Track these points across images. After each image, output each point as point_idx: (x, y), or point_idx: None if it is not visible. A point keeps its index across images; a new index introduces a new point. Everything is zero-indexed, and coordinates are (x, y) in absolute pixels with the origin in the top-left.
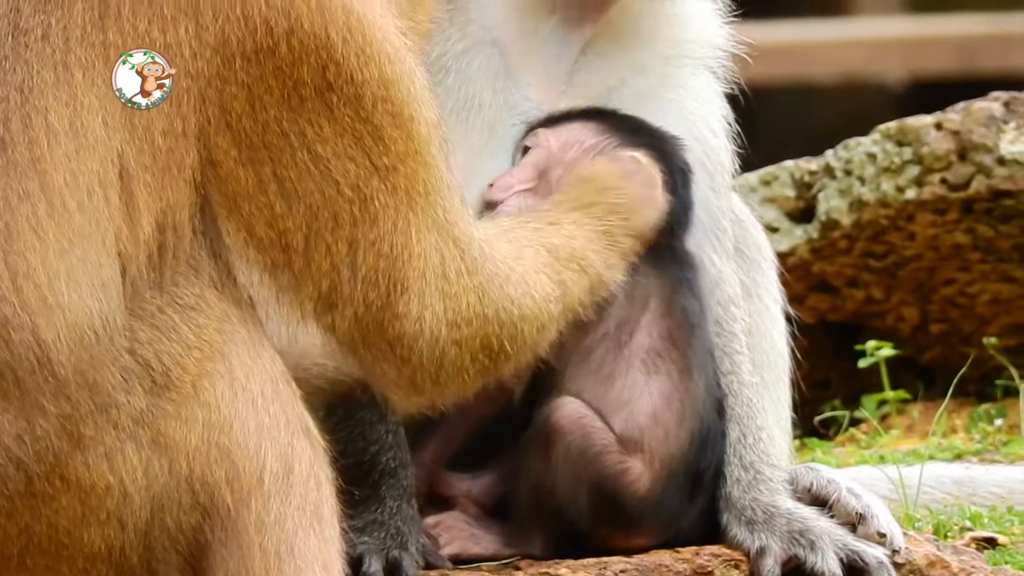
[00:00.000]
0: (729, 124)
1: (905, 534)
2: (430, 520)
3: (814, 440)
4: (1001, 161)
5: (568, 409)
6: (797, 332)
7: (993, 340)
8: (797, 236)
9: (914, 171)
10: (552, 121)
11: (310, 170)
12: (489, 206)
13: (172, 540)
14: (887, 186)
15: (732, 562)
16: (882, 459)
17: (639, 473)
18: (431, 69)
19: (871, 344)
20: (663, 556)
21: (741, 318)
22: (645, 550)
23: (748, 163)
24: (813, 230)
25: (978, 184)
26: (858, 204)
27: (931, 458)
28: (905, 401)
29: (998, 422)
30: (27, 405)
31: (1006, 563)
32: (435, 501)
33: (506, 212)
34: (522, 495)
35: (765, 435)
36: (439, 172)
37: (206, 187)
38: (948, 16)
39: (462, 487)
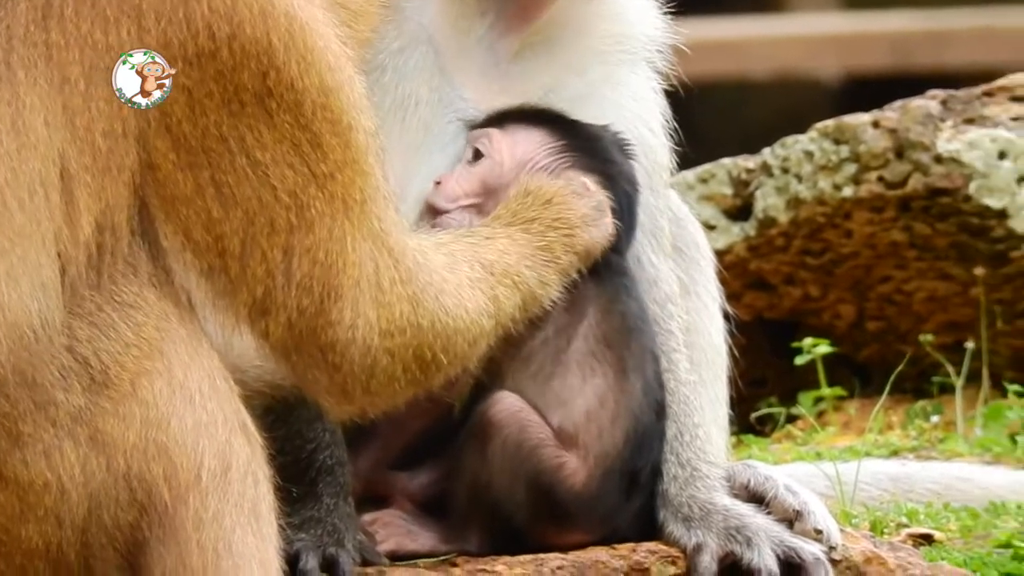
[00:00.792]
0: (667, 121)
1: (842, 531)
2: (367, 517)
3: (751, 437)
4: (938, 159)
5: (505, 403)
6: (734, 329)
7: (929, 337)
8: (734, 234)
9: (851, 169)
10: (504, 121)
11: (248, 176)
12: (432, 211)
13: (110, 537)
14: (824, 184)
15: (669, 559)
16: (819, 456)
17: (575, 468)
18: (368, 67)
19: (808, 341)
20: (600, 553)
21: (678, 316)
22: (582, 547)
23: (685, 160)
24: (750, 228)
25: (915, 182)
26: (795, 202)
27: (868, 455)
28: (842, 398)
29: (934, 419)
30: None
31: (942, 559)
32: (372, 499)
33: (447, 226)
34: (459, 491)
35: (702, 432)
36: (375, 181)
37: (144, 189)
38: (883, 13)
39: (399, 484)
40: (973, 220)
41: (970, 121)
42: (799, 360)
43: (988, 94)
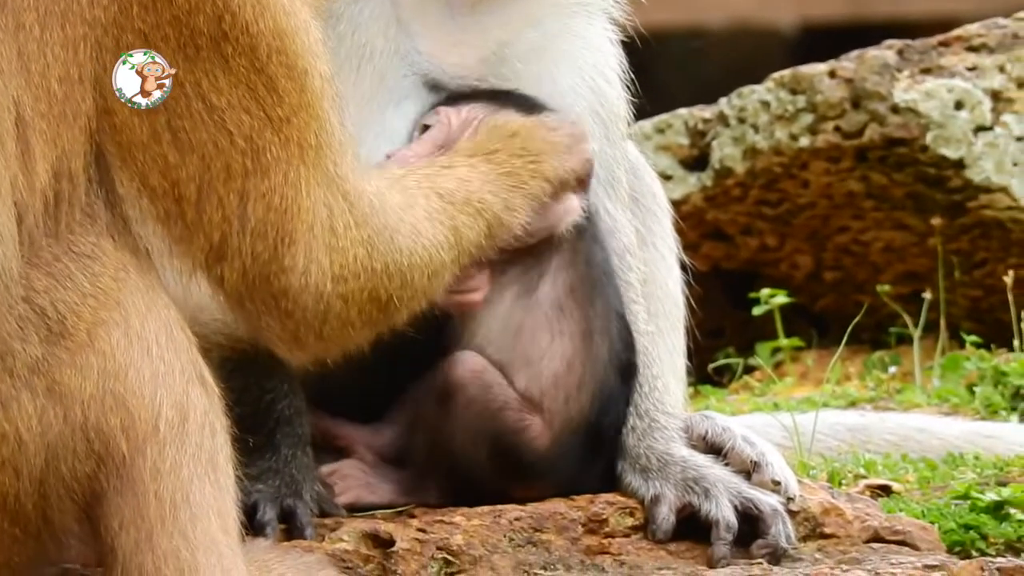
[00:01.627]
0: (623, 73)
1: (800, 482)
2: (325, 468)
3: (708, 388)
4: (895, 109)
5: (468, 364)
6: (691, 280)
7: (887, 288)
8: (691, 184)
9: (808, 119)
10: (454, 100)
11: (204, 120)
12: None
13: (67, 488)
14: (781, 134)
15: (627, 510)
16: (776, 407)
17: (539, 431)
18: (323, 15)
19: (765, 292)
20: (557, 504)
21: (636, 267)
22: (541, 499)
23: (641, 111)
24: (707, 178)
25: (872, 132)
26: (752, 152)
27: (825, 406)
28: (799, 349)
29: (892, 370)
30: None
31: (900, 511)
32: (332, 450)
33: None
34: (419, 446)
35: (660, 383)
36: (331, 127)
37: (101, 136)
38: None
39: (359, 436)
40: (930, 170)
41: (927, 71)
42: (756, 311)
43: (945, 44)
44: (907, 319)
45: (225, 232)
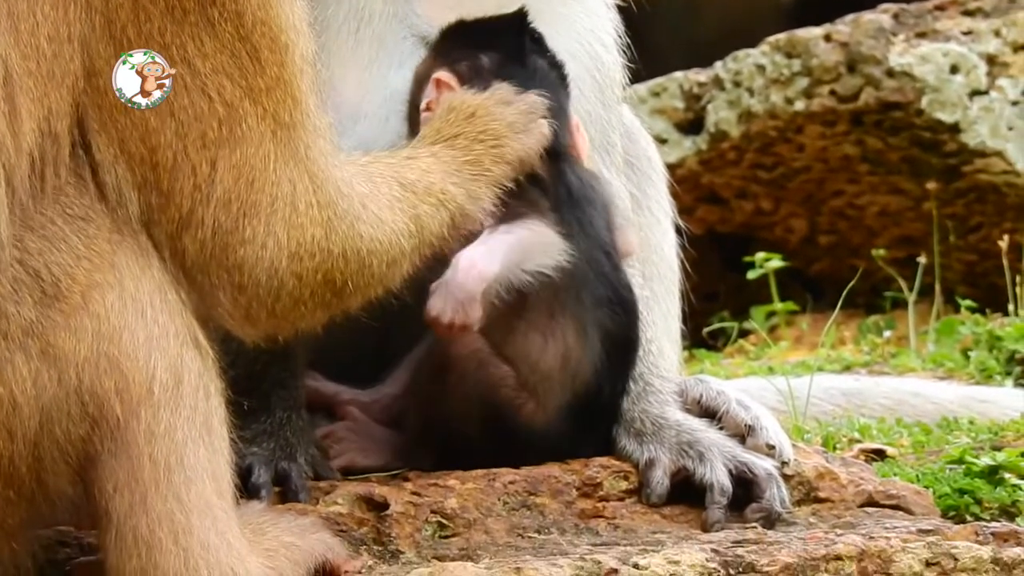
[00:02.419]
0: (619, 37)
1: (794, 446)
2: (320, 432)
3: (703, 351)
4: (890, 73)
5: (466, 340)
6: (686, 244)
7: (882, 252)
8: (686, 147)
9: (803, 83)
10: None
11: (187, 85)
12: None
13: (61, 451)
14: (776, 98)
15: (621, 473)
16: (771, 370)
17: (533, 410)
18: None
19: (760, 256)
20: (552, 468)
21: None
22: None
23: (636, 74)
24: (702, 141)
25: (867, 96)
26: (747, 116)
27: (820, 370)
28: (794, 313)
29: (887, 334)
30: None
31: (895, 475)
32: (326, 413)
33: None
34: (415, 412)
35: (655, 347)
36: (306, 108)
37: (84, 98)
38: None
39: (353, 399)
40: (925, 134)
41: (922, 35)
42: (751, 274)
43: (940, 8)
44: (902, 283)
45: (195, 201)
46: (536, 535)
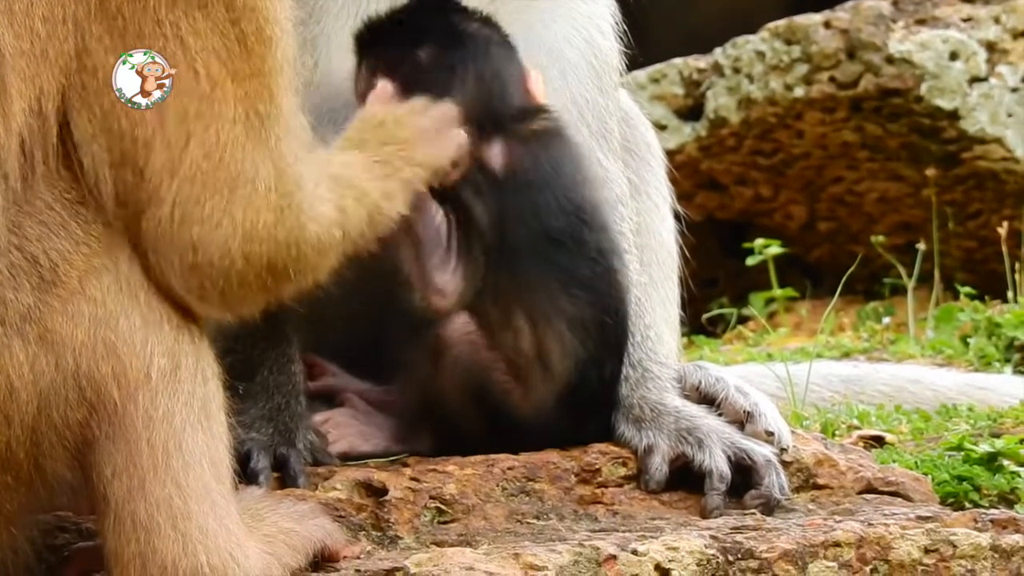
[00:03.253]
0: (617, 23)
1: (793, 432)
2: (319, 417)
3: (702, 338)
4: (890, 60)
5: (459, 324)
6: (685, 230)
7: (881, 239)
8: (685, 134)
9: (803, 69)
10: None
11: (176, 62)
12: None
13: (59, 436)
14: (775, 84)
15: (620, 460)
16: (770, 357)
17: (522, 396)
18: None
19: (759, 242)
20: (551, 454)
21: (628, 217)
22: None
23: (634, 61)
24: (701, 128)
25: (867, 83)
26: (746, 102)
27: (819, 356)
28: (793, 299)
29: (886, 320)
30: None
31: (894, 462)
32: (325, 398)
33: None
34: (412, 397)
35: (653, 333)
36: (280, 105)
37: (73, 78)
38: None
39: (352, 385)
40: (924, 121)
41: (922, 22)
42: (750, 261)
43: None
44: (901, 270)
45: (163, 175)
46: (535, 521)
